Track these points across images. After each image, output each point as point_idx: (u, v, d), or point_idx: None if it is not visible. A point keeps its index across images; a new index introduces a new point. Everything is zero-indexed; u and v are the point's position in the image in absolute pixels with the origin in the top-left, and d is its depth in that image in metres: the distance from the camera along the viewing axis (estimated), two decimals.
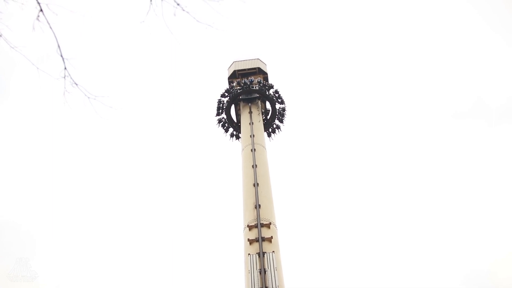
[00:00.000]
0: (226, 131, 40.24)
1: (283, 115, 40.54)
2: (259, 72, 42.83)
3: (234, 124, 40.36)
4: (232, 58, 49.06)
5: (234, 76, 42.44)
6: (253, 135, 35.66)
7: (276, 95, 40.15)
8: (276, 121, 40.59)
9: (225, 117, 40.17)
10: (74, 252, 53.06)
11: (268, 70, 44.55)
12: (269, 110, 41.56)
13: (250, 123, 36.36)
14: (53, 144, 65.03)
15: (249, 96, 39.20)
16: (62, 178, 61.94)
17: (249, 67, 42.39)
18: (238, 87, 38.98)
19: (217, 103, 40.25)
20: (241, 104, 39.65)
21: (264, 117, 39.92)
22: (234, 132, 40.06)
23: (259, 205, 27.34)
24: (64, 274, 50.08)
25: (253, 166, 31.31)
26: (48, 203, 58.21)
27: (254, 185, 29.29)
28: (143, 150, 72.14)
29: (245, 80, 39.26)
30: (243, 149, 34.90)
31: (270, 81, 43.10)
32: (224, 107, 39.89)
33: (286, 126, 41.71)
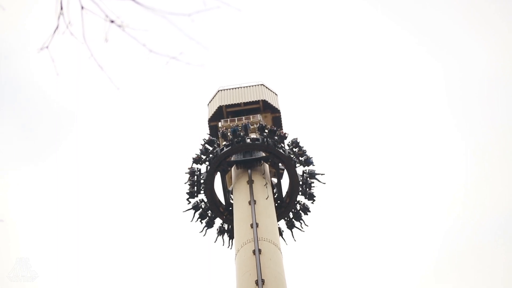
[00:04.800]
0: (210, 225, 26.46)
1: (310, 186, 26.10)
2: (265, 108, 28.86)
3: (221, 208, 26.59)
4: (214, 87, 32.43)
5: (220, 115, 29.08)
6: (257, 224, 22.67)
7: (295, 150, 25.99)
8: (301, 198, 26.50)
9: (204, 199, 26.15)
10: (74, 252, 54.40)
11: (280, 103, 30.34)
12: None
13: (249, 202, 23.65)
14: (53, 146, 66.11)
15: (248, 157, 25.42)
16: (62, 179, 61.92)
17: (246, 101, 28.82)
18: (224, 143, 25.77)
19: (188, 177, 25.94)
20: (233, 171, 26.40)
21: (275, 192, 26.61)
22: (223, 226, 26.66)
23: None
24: (64, 274, 52.65)
25: None
26: (48, 203, 60.16)
27: None
28: (139, 154, 71.35)
29: (235, 128, 25.54)
30: (237, 253, 22.61)
31: (284, 127, 29.24)
32: (202, 180, 25.56)
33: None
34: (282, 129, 26.21)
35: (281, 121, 28.61)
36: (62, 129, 73.15)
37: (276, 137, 25.13)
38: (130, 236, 64.99)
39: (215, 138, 26.10)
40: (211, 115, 29.06)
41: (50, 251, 54.97)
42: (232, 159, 25.53)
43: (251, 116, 27.22)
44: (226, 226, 26.33)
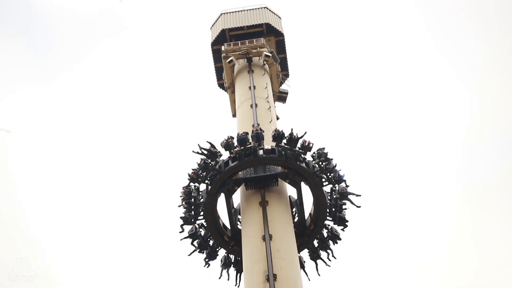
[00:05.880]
0: (212, 257, 20.55)
1: (341, 208, 20.04)
2: (268, 31, 27.49)
3: (226, 237, 20.42)
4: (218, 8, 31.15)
5: (223, 39, 27.96)
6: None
7: (322, 164, 19.60)
8: (330, 222, 20.44)
9: (204, 224, 20.30)
10: (74, 252, 54.62)
11: (284, 27, 29.13)
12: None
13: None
14: (53, 145, 63.78)
15: (261, 174, 19.29)
16: (61, 178, 61.55)
17: (249, 24, 27.41)
18: (230, 154, 19.35)
19: (182, 199, 19.95)
20: (241, 191, 20.30)
21: (296, 215, 20.62)
22: (229, 257, 20.61)
23: None
24: (64, 274, 52.71)
25: None
26: (48, 203, 59.57)
27: None
28: (138, 150, 69.52)
29: (244, 136, 19.09)
30: None
31: (287, 51, 28.38)
32: (200, 201, 19.90)
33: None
34: (304, 137, 19.19)
35: (284, 45, 28.11)
36: (70, 49, 72.37)
37: (297, 149, 18.97)
38: (130, 234, 61.16)
39: (217, 150, 19.63)
40: (214, 38, 28.47)
41: (50, 251, 53.00)
42: (240, 175, 19.39)
43: (254, 40, 26.53)
44: (232, 257, 20.45)
